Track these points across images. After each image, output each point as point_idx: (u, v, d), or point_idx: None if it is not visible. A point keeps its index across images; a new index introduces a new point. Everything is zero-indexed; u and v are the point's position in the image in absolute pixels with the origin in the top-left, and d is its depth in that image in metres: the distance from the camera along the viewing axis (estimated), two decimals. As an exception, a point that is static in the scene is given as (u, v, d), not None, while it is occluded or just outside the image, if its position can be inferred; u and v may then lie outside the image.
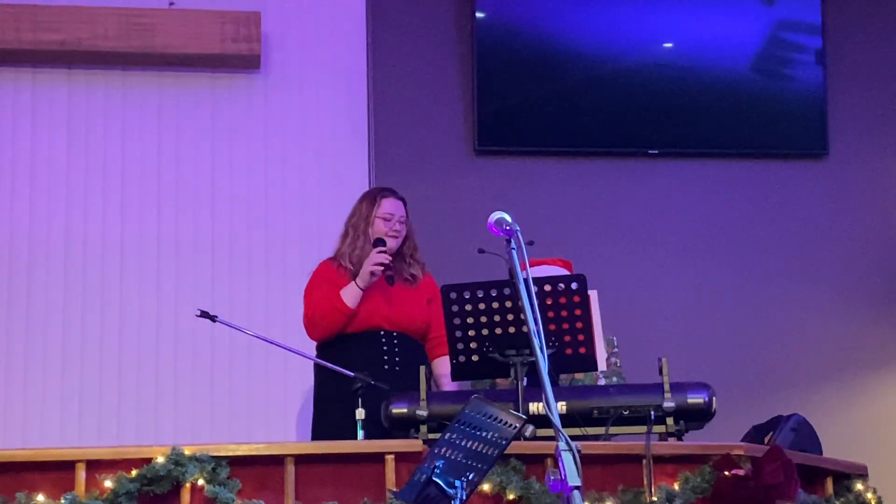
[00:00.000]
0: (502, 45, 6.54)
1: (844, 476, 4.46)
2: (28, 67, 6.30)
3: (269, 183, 6.37)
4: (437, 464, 3.21)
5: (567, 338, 4.32)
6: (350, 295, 4.93)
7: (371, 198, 5.13)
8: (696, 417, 4.25)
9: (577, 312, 4.30)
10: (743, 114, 6.67)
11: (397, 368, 4.88)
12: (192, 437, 5.60)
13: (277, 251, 6.30)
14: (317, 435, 4.99)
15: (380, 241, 4.95)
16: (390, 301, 4.99)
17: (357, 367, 4.62)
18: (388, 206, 5.07)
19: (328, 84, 6.48)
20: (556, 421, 3.16)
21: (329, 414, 4.91)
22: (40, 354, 6.09)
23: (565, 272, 4.80)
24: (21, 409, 6.02)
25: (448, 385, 4.89)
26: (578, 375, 4.90)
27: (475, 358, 4.35)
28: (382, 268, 4.86)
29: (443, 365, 4.94)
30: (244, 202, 6.34)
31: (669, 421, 4.20)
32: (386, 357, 4.89)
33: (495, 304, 4.29)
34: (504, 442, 3.31)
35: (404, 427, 4.26)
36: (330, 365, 4.76)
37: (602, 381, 4.95)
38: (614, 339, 5.09)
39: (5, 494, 3.94)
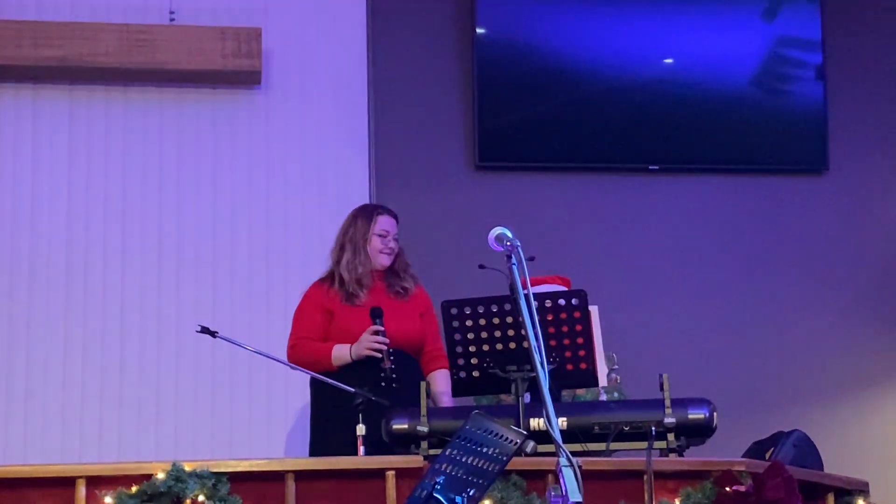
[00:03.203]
0: (503, 61, 6.54)
1: (846, 492, 4.45)
2: (29, 83, 6.30)
3: (270, 198, 6.38)
4: (437, 480, 3.21)
5: (568, 353, 4.32)
6: (341, 360, 4.89)
7: (367, 214, 5.13)
8: (697, 433, 4.25)
9: (578, 328, 4.31)
10: (743, 129, 6.67)
11: (394, 385, 4.84)
12: (192, 453, 5.58)
13: (279, 267, 6.30)
14: (314, 452, 4.95)
15: (376, 313, 4.85)
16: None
17: (352, 384, 4.60)
18: (384, 223, 5.09)
19: (329, 100, 6.48)
20: (557, 437, 3.16)
21: (328, 431, 4.89)
22: (41, 370, 6.08)
23: (564, 290, 4.79)
24: (22, 425, 6.02)
25: (447, 401, 4.87)
26: (580, 391, 4.89)
27: (476, 374, 4.35)
28: (380, 355, 4.80)
29: (437, 380, 4.93)
30: (245, 218, 6.34)
31: (670, 437, 4.20)
32: (382, 374, 4.85)
33: (496, 320, 4.30)
34: (505, 458, 3.30)
35: (405, 443, 4.25)
36: (331, 381, 4.74)
37: (603, 397, 4.94)
38: (614, 355, 5.08)
39: (6, 510, 3.94)
